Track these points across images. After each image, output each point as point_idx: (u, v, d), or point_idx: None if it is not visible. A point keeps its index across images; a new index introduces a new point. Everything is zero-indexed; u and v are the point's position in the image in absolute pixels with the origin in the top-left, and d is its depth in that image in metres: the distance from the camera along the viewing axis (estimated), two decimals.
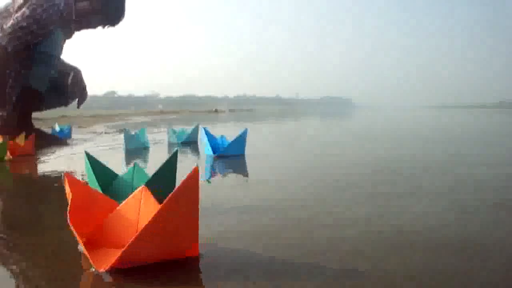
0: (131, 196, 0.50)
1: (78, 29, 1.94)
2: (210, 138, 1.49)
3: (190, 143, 1.91)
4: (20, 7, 1.73)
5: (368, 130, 3.22)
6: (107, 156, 1.52)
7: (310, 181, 1.01)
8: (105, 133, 2.79)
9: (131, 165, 0.72)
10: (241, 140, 1.45)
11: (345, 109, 19.16)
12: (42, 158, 1.48)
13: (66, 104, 2.20)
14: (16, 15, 1.69)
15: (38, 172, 1.26)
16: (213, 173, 1.14)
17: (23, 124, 1.91)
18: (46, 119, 4.15)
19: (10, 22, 1.67)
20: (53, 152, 1.67)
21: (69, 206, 0.45)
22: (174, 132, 1.95)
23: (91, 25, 1.94)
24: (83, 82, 2.11)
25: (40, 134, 2.01)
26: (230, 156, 1.42)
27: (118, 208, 0.49)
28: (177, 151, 0.70)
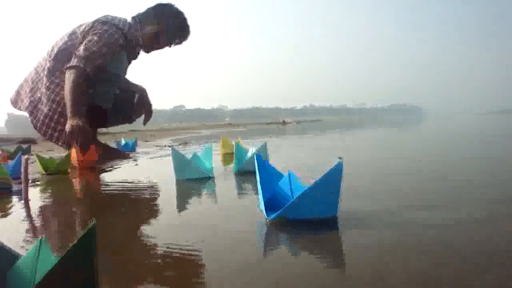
0: None
1: (148, 51, 2.01)
2: (266, 175, 0.70)
3: (252, 174, 1.06)
4: (85, 33, 1.86)
5: (471, 138, 2.74)
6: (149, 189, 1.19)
7: None
8: (168, 146, 2.79)
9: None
10: (331, 185, 0.62)
11: (417, 117, 18.19)
12: (103, 171, 1.51)
13: (130, 121, 2.26)
14: (87, 39, 1.81)
15: (97, 184, 1.29)
16: None
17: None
18: (115, 133, 4.24)
19: (82, 47, 1.80)
20: (112, 166, 1.66)
21: None
22: (241, 152, 1.27)
23: (159, 45, 2.00)
24: (148, 101, 2.17)
25: (104, 147, 2.06)
26: (307, 223, 0.62)
27: None
28: (93, 228, 0.32)
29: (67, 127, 1.73)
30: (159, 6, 1.97)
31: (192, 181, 1.12)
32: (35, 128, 1.93)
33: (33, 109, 1.91)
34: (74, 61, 1.77)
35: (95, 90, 1.89)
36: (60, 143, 1.90)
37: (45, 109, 1.87)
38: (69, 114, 1.74)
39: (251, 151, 1.30)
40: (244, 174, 1.22)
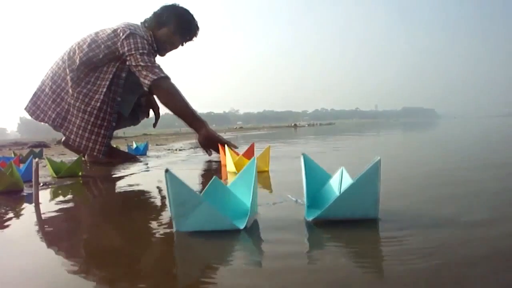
0: None
1: (163, 54, 2.03)
2: None
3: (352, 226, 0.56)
4: (115, 43, 1.82)
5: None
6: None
7: None
8: (179, 150, 2.81)
9: None
10: None
11: (434, 120, 17.85)
12: (114, 173, 1.53)
13: (136, 123, 2.28)
14: (138, 52, 1.79)
15: (108, 186, 1.31)
16: None
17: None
18: (128, 137, 4.27)
19: (142, 60, 1.78)
20: (123, 169, 1.66)
21: None
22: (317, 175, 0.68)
23: (173, 46, 2.02)
24: (156, 103, 2.18)
25: (115, 152, 2.08)
26: None
27: None
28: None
29: (201, 138, 1.85)
30: (165, 8, 1.97)
31: (202, 237, 0.55)
32: (69, 141, 1.88)
33: (62, 121, 1.85)
34: (155, 73, 1.77)
35: (120, 98, 1.90)
36: (96, 153, 1.86)
37: (77, 121, 1.83)
38: (197, 125, 1.85)
39: (340, 175, 0.66)
40: (330, 225, 0.57)
